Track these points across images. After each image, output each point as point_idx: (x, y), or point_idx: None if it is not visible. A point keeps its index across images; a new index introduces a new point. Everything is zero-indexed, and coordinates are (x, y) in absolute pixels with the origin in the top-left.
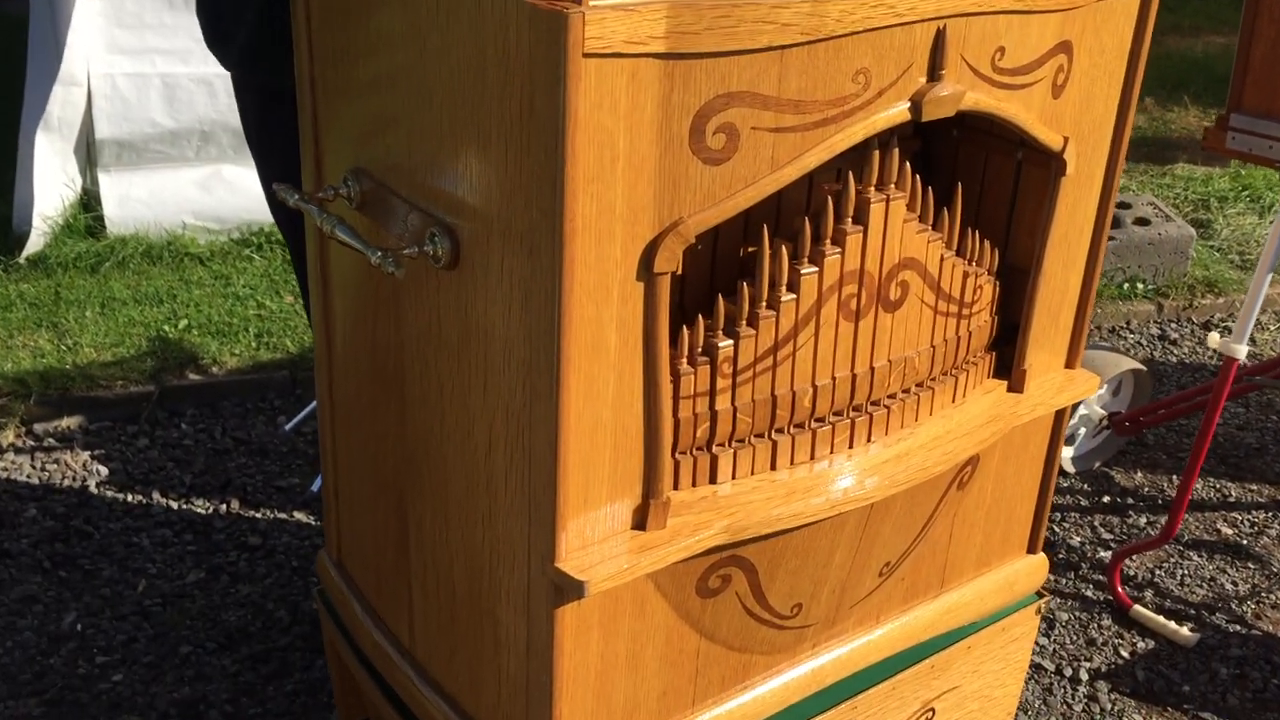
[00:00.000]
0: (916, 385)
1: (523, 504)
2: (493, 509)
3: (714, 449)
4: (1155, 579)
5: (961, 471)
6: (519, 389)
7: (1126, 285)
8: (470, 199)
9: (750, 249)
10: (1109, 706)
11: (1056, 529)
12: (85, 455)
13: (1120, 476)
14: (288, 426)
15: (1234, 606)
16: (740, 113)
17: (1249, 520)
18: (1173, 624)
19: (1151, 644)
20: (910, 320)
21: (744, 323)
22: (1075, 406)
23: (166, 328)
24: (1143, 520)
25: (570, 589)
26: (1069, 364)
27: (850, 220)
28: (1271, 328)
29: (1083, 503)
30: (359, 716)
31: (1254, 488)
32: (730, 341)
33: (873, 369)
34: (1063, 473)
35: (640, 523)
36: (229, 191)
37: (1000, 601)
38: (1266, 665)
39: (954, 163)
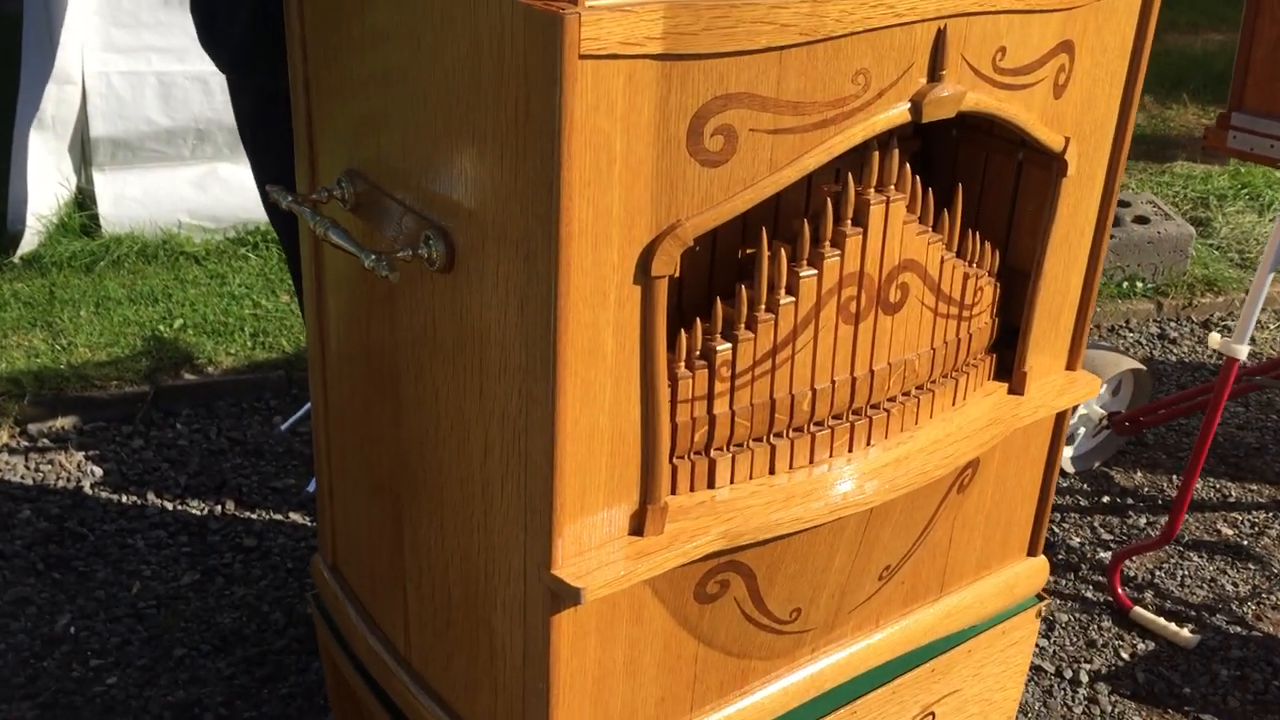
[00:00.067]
0: (916, 388)
1: (519, 510)
2: (488, 515)
3: (712, 453)
4: (1155, 580)
5: (962, 474)
6: (515, 394)
7: (1126, 284)
8: (465, 202)
9: (749, 250)
10: (1109, 709)
11: (1056, 529)
12: (80, 456)
13: (1120, 476)
14: (283, 427)
15: (1234, 608)
16: (738, 114)
17: (1249, 521)
18: (1173, 626)
19: (1152, 645)
20: (910, 323)
21: (742, 326)
22: (1075, 406)
23: (161, 327)
24: (1143, 520)
25: (567, 596)
26: (1070, 366)
27: (850, 222)
28: (1271, 326)
29: (1082, 503)
30: None
31: (1254, 488)
32: (728, 345)
33: (872, 372)
34: (1062, 473)
35: (637, 528)
36: (224, 190)
37: (1001, 605)
38: (1268, 667)
39: (954, 163)
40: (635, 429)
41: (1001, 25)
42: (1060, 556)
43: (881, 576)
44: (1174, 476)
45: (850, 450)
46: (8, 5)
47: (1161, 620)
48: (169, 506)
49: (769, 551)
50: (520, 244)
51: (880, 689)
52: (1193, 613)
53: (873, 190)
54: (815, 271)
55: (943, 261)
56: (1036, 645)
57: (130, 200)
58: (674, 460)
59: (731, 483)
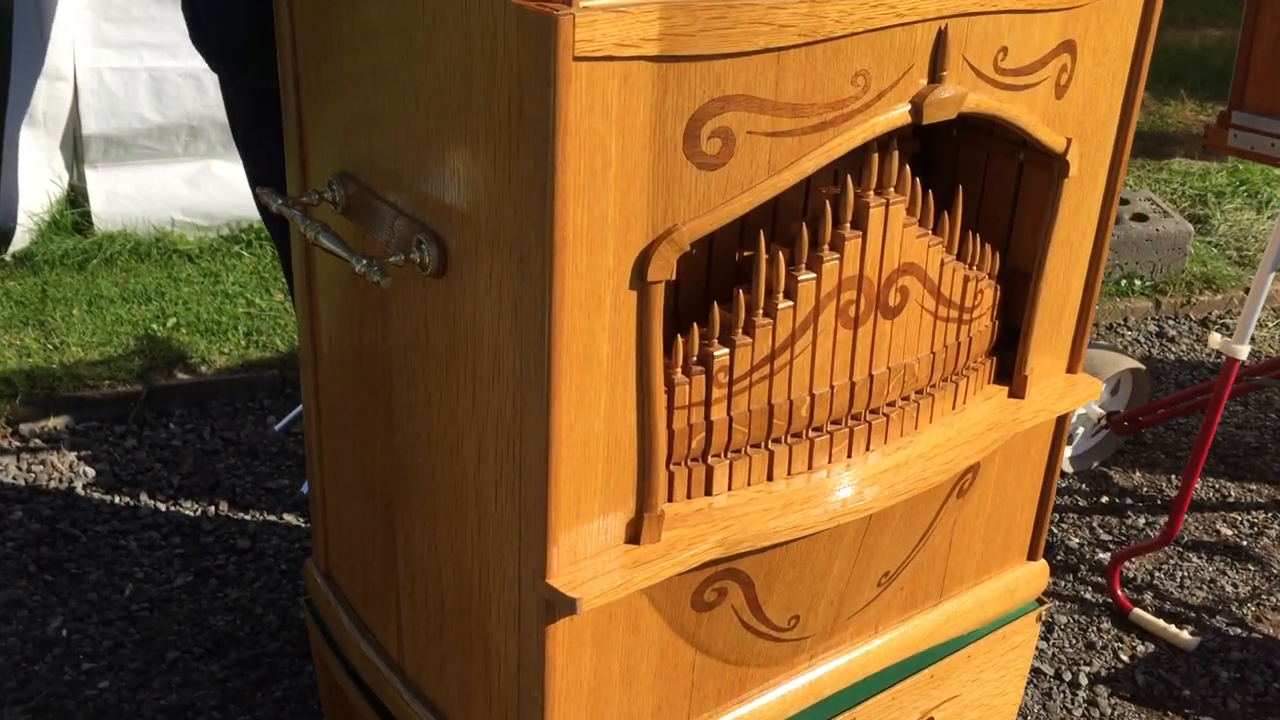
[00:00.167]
0: (916, 392)
1: (513, 518)
2: (482, 522)
3: (709, 460)
4: (1155, 581)
5: (962, 479)
6: (509, 400)
7: (1124, 282)
8: (458, 204)
9: (746, 253)
10: (1109, 711)
11: (1055, 530)
12: (72, 456)
13: (1119, 476)
14: (277, 427)
15: (1234, 609)
16: (736, 116)
17: (1249, 521)
18: (1173, 627)
19: (1151, 647)
20: (910, 326)
21: (740, 331)
22: None
23: (154, 326)
24: (1142, 521)
25: (562, 606)
26: (1071, 368)
27: (849, 225)
28: (1270, 325)
29: (1081, 503)
30: None
31: (1253, 487)
32: (726, 350)
33: (871, 377)
34: (1060, 473)
35: (634, 537)
36: (218, 187)
37: (1000, 609)
38: (1268, 669)
39: (954, 164)
40: (631, 435)
41: (1003, 25)
42: (1059, 557)
43: (881, 582)
44: (1173, 476)
45: (849, 456)
46: None
47: (1161, 622)
48: (162, 507)
49: (767, 559)
50: (514, 247)
51: (879, 695)
52: (1192, 614)
53: (872, 193)
54: (814, 275)
55: (943, 264)
56: (1035, 647)
57: (123, 198)
58: (671, 467)
59: (729, 490)
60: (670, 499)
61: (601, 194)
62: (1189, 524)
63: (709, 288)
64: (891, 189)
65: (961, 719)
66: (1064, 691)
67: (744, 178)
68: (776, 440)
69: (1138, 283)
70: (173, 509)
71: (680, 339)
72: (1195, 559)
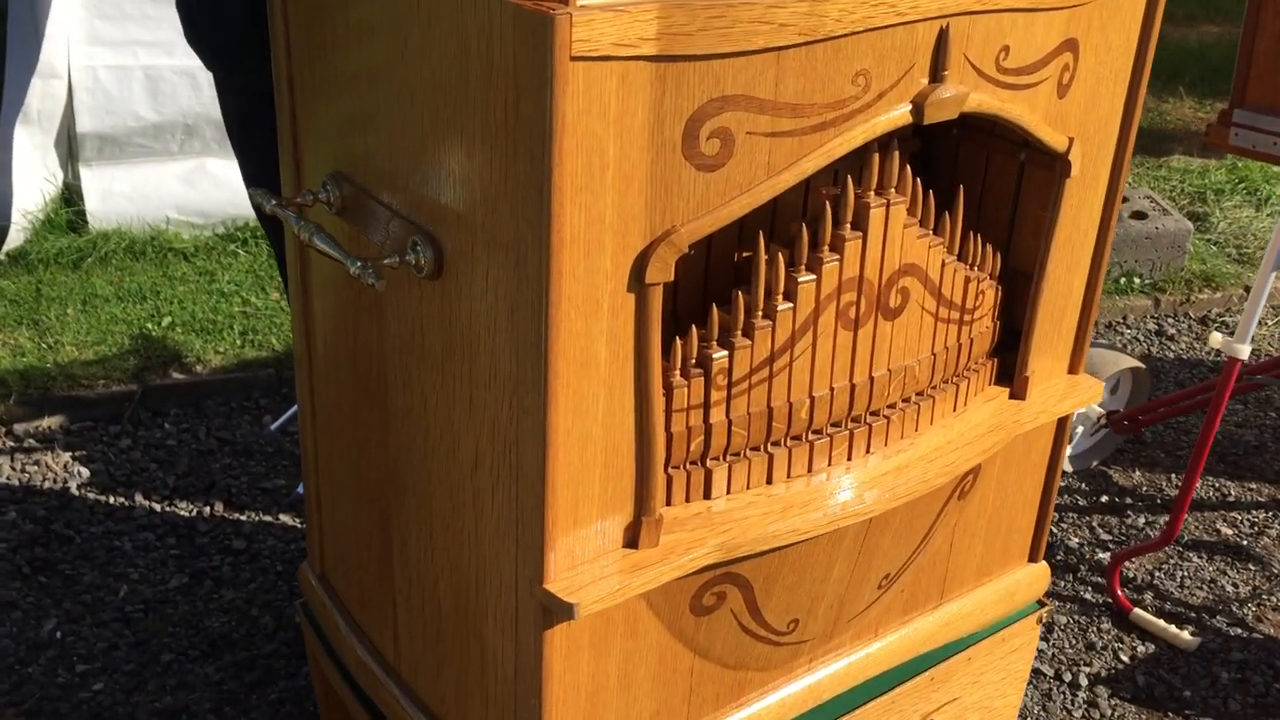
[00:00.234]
0: (916, 394)
1: (510, 522)
2: (479, 526)
3: (708, 463)
4: (1155, 581)
5: (963, 481)
6: (505, 404)
7: (1123, 280)
8: (453, 205)
9: (745, 254)
10: (1109, 712)
11: (1055, 530)
12: (66, 456)
13: (1118, 475)
14: (273, 426)
15: (1235, 609)
16: (735, 117)
17: (1249, 520)
18: (1173, 628)
19: (1152, 648)
20: (910, 328)
21: (739, 333)
22: None
23: (149, 325)
24: (1141, 520)
25: (559, 611)
26: (1072, 369)
27: (849, 226)
28: (1269, 322)
29: (1081, 503)
30: None
31: (1253, 486)
32: (725, 352)
33: (872, 379)
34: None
35: (632, 541)
36: (213, 185)
37: (1001, 611)
38: (1269, 670)
39: (954, 163)
40: (629, 439)
41: (1005, 24)
42: (1059, 557)
43: (881, 585)
44: (1173, 475)
45: (849, 459)
46: None
47: (1161, 622)
48: (157, 508)
49: (766, 563)
50: (510, 249)
51: (879, 698)
52: (1192, 614)
53: (872, 193)
54: (814, 276)
55: (944, 265)
56: (1035, 648)
57: (117, 196)
58: (669, 471)
59: (728, 493)
60: (669, 503)
61: (599, 195)
62: (1189, 523)
63: (707, 289)
64: (892, 189)
65: None
66: (1064, 692)
67: (743, 179)
68: (776, 443)
69: (1137, 281)
70: (168, 509)
71: (678, 341)
72: (1195, 558)
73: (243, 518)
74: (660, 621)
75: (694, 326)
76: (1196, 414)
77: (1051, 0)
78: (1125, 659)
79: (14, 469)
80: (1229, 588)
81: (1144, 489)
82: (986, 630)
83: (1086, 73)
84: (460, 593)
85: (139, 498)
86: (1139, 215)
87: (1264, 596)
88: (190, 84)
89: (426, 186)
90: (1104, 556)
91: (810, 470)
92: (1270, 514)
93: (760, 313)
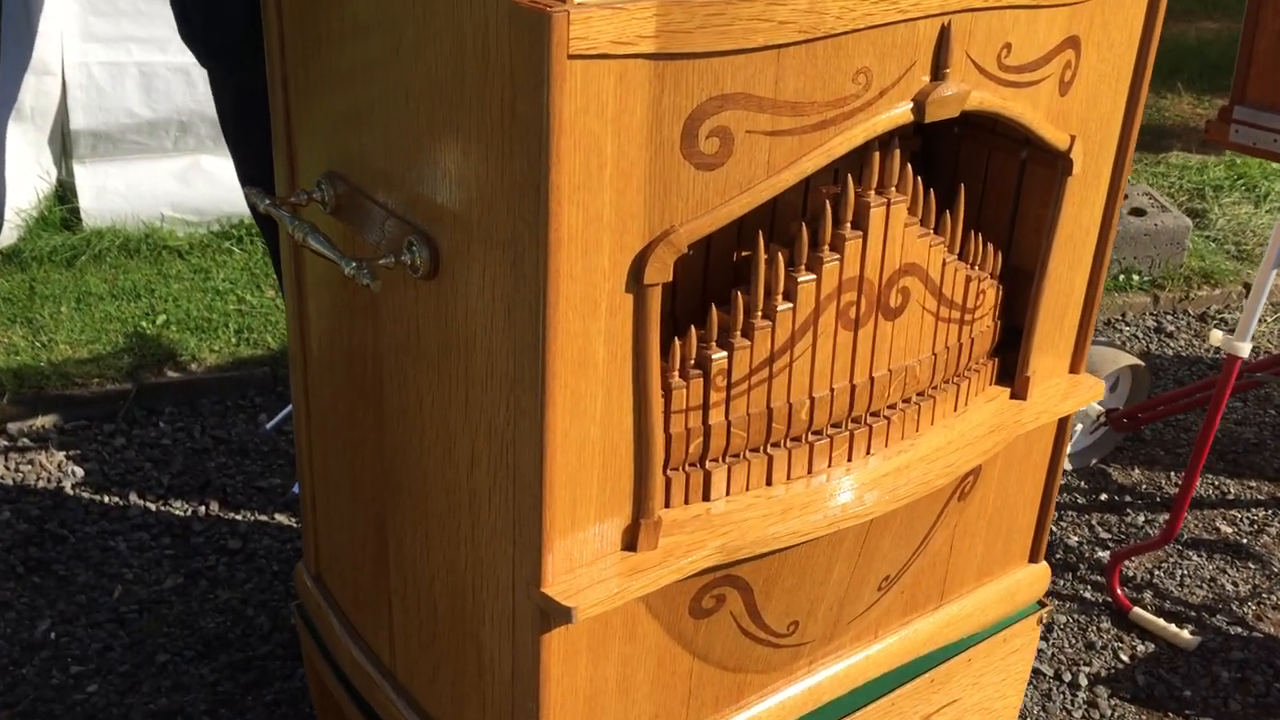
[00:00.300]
0: (917, 395)
1: (507, 524)
2: (475, 529)
3: (707, 465)
4: (1154, 579)
5: (963, 482)
6: (502, 405)
7: (1122, 277)
8: (450, 204)
9: (744, 254)
10: (1109, 712)
11: (1054, 529)
12: (60, 455)
13: (1118, 473)
14: (269, 425)
15: (1235, 608)
16: (735, 115)
17: (1248, 518)
18: (1173, 627)
19: (1151, 647)
20: (911, 328)
21: (738, 333)
22: None
23: (144, 323)
24: (1141, 519)
25: (557, 615)
26: (1073, 368)
27: (849, 225)
28: (1268, 319)
29: (1080, 501)
30: None
31: (1253, 484)
32: (724, 353)
33: (872, 379)
34: None
35: (630, 543)
36: (208, 183)
37: (1001, 612)
38: (1269, 669)
39: (955, 161)
40: (628, 441)
41: (1007, 21)
42: (1058, 556)
43: (881, 586)
44: (1172, 473)
45: (850, 460)
46: None
47: (1161, 621)
48: (152, 507)
49: (766, 565)
50: (507, 248)
51: (879, 700)
52: (1192, 613)
53: (873, 192)
54: (814, 276)
55: (944, 264)
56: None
57: (112, 193)
58: (668, 472)
59: (727, 495)
60: (667, 505)
61: (597, 195)
62: (1189, 521)
63: (706, 289)
64: (893, 188)
65: None
66: (1064, 692)
67: (743, 178)
68: (776, 444)
69: (1136, 278)
70: (163, 509)
71: (677, 342)
72: (1195, 557)
73: (238, 517)
74: (659, 624)
75: (693, 327)
76: (1196, 412)
77: None
78: (1125, 658)
79: (8, 468)
80: (1229, 586)
81: (1143, 487)
82: (987, 631)
83: (1088, 70)
84: (456, 595)
85: (134, 497)
86: (1138, 212)
87: (1264, 595)
88: (185, 80)
89: (422, 186)
90: (1103, 555)
91: (810, 472)
92: (1270, 512)
93: (760, 313)
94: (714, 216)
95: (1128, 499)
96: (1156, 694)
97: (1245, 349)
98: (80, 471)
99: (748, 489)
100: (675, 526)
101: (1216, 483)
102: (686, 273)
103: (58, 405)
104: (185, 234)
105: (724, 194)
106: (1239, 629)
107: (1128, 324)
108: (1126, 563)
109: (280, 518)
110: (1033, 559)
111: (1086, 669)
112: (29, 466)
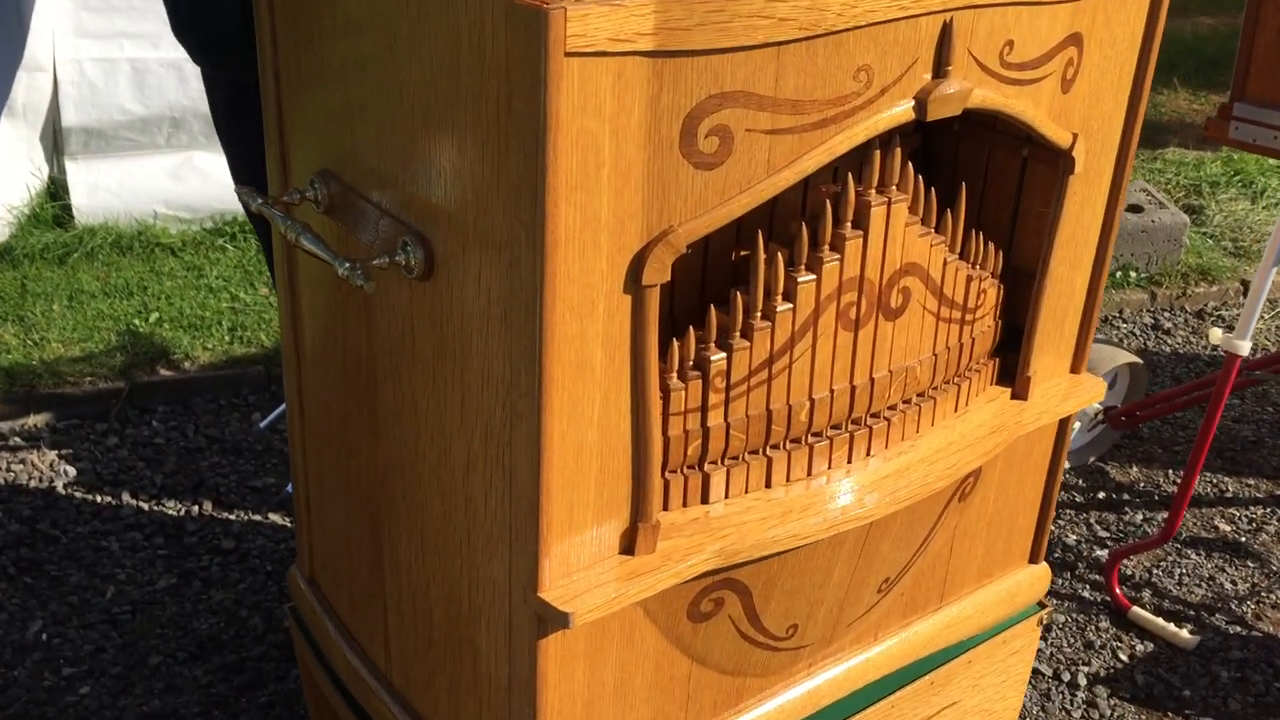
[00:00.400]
0: (917, 395)
1: (503, 529)
2: (471, 533)
3: (706, 467)
4: (1153, 578)
5: (963, 483)
6: (498, 408)
7: (1119, 273)
8: (444, 204)
9: (743, 253)
10: (1108, 712)
11: (1052, 527)
12: (52, 455)
13: (1116, 472)
14: (263, 424)
15: (1234, 607)
16: (734, 114)
17: (1247, 516)
18: (1172, 626)
19: (1150, 646)
20: (912, 328)
21: (737, 334)
22: None
23: (137, 321)
24: (1139, 517)
25: (554, 620)
26: (1074, 368)
27: (849, 224)
28: (1266, 316)
29: (1078, 499)
30: None
31: (1251, 482)
32: (723, 354)
33: (872, 380)
34: None
35: (628, 547)
36: (201, 180)
37: (1001, 614)
38: (1269, 668)
39: (955, 159)
40: (626, 443)
41: (1009, 18)
42: (1056, 555)
43: (880, 589)
44: (1170, 471)
45: (849, 461)
46: None
47: (1160, 620)
48: (144, 507)
49: (765, 568)
50: (503, 249)
51: (879, 703)
52: (1191, 612)
53: (873, 191)
54: (814, 276)
55: (945, 264)
56: None
57: (104, 190)
58: (666, 475)
59: (726, 498)
60: (666, 508)
61: (594, 194)
62: (1187, 520)
63: (704, 289)
64: (893, 187)
65: None
66: (1063, 692)
67: (742, 177)
68: (775, 446)
69: (1133, 274)
70: (155, 509)
71: (675, 343)
72: (1194, 555)
73: (231, 517)
74: (657, 628)
75: (691, 328)
76: (1194, 409)
77: None
78: (1124, 658)
79: None
80: (1228, 585)
81: (1142, 485)
82: (987, 633)
83: (1091, 67)
84: (452, 599)
85: (126, 497)
86: (1135, 208)
87: (1263, 594)
88: (177, 77)
89: (416, 185)
90: (1102, 554)
91: (810, 474)
92: (1268, 510)
93: (759, 313)
94: (713, 216)
95: (1126, 497)
96: (1156, 693)
97: (1245, 347)
98: (72, 471)
99: (747, 492)
100: (674, 530)
101: (1215, 481)
102: (685, 273)
103: (50, 404)
104: (178, 231)
105: (723, 194)
106: (1238, 628)
107: (1125, 321)
108: (1125, 561)
109: (274, 517)
110: (1033, 560)
111: (1085, 668)
112: (20, 466)
